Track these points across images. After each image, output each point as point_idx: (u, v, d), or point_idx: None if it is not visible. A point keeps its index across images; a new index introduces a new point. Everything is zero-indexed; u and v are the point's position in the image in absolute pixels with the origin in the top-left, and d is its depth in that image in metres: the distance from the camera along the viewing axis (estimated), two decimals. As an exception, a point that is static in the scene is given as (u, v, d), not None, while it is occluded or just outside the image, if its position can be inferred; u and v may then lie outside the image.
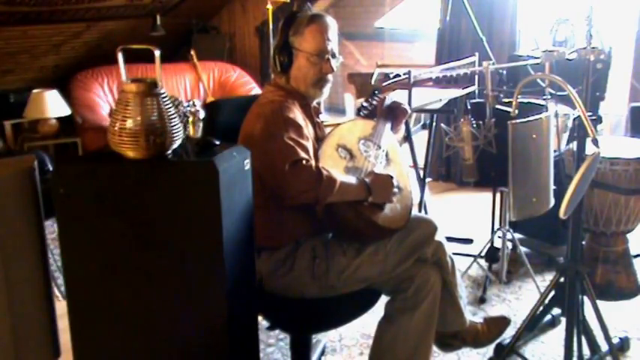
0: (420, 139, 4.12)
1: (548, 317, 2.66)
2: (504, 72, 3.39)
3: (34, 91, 4.61)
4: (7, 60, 4.78)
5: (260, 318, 2.02)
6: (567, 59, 2.08)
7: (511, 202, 2.20)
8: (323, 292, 1.97)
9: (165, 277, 1.57)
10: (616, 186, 2.81)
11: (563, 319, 2.32)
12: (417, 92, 2.95)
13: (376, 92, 2.32)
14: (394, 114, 2.31)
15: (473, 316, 2.29)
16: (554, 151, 2.38)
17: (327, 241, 2.02)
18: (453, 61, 3.30)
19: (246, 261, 1.75)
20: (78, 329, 1.60)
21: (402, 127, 2.43)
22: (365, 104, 2.29)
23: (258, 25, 5.89)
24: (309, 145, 1.94)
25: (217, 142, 1.64)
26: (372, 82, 3.12)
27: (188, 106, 1.73)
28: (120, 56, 1.52)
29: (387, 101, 2.31)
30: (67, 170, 1.54)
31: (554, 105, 2.47)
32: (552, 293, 2.32)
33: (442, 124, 2.44)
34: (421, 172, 3.54)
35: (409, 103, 2.75)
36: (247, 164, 1.67)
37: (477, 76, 3.31)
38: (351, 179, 1.92)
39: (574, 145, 2.14)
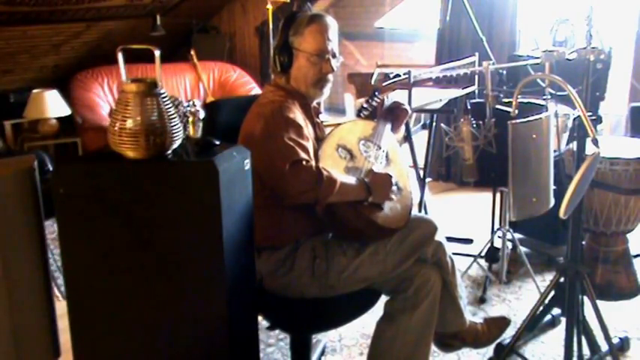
0: (420, 139, 4.12)
1: (548, 317, 2.66)
2: (504, 72, 3.39)
3: (34, 91, 4.61)
4: (7, 60, 4.78)
5: (260, 318, 2.02)
6: (567, 59, 2.08)
7: (511, 202, 2.20)
8: (323, 292, 1.97)
9: (166, 277, 1.57)
10: (616, 186, 2.81)
11: (563, 319, 2.32)
12: (417, 92, 2.95)
13: (376, 93, 2.32)
14: (394, 114, 2.31)
15: (473, 316, 2.29)
16: (554, 151, 2.38)
17: (327, 241, 2.02)
18: (453, 61, 3.30)
19: (246, 261, 1.75)
20: (78, 329, 1.60)
21: (402, 127, 2.43)
22: (365, 105, 2.29)
23: (258, 25, 5.89)
24: (310, 145, 1.94)
25: (217, 142, 1.64)
26: (372, 82, 3.11)
27: (188, 106, 1.73)
28: (120, 56, 1.52)
29: (388, 102, 2.31)
30: (67, 170, 1.54)
31: (554, 105, 2.47)
32: (552, 293, 2.32)
33: (442, 124, 2.44)
34: (421, 172, 3.54)
35: (409, 103, 2.75)
36: (247, 164, 1.67)
37: (477, 76, 3.30)
38: (351, 179, 1.92)
39: (574, 145, 2.14)
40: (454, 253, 2.12)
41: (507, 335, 2.35)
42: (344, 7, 6.18)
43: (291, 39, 2.00)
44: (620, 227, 2.94)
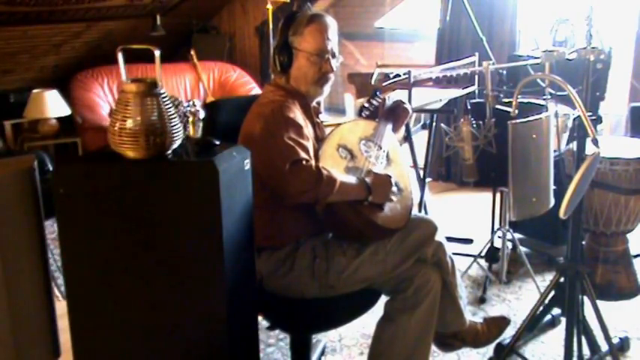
0: (420, 139, 4.12)
1: (548, 317, 2.66)
2: (504, 72, 3.39)
3: (34, 91, 4.61)
4: (7, 60, 4.77)
5: (260, 318, 2.02)
6: (567, 59, 2.08)
7: (511, 202, 2.20)
8: (323, 292, 1.97)
9: (166, 277, 1.57)
10: (616, 186, 2.81)
11: (563, 319, 2.32)
12: (417, 92, 2.95)
13: (377, 93, 2.32)
14: (396, 114, 2.31)
15: (473, 316, 2.29)
16: (554, 151, 2.38)
17: (327, 241, 2.02)
18: (453, 61, 3.30)
19: (246, 261, 1.75)
20: (78, 329, 1.60)
21: (402, 127, 2.43)
22: (367, 105, 2.29)
23: (258, 25, 5.89)
24: (309, 145, 1.94)
25: (217, 142, 1.64)
26: (372, 82, 3.12)
27: (188, 106, 1.73)
28: (120, 56, 1.52)
29: (389, 102, 2.31)
30: (67, 170, 1.54)
31: (554, 105, 2.47)
32: (552, 293, 2.32)
33: (442, 124, 2.44)
34: (421, 172, 3.54)
35: (409, 103, 2.75)
36: (247, 164, 1.67)
37: (477, 76, 3.31)
38: (351, 179, 1.92)
39: (574, 145, 2.14)
40: (454, 253, 2.12)
41: (507, 335, 2.35)
42: (344, 7, 6.18)
43: (291, 39, 2.00)
44: (620, 227, 2.94)
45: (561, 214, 1.76)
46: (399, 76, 2.93)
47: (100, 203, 1.52)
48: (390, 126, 2.24)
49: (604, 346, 2.29)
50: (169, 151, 1.55)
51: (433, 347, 2.12)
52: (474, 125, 2.28)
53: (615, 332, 2.55)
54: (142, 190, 1.53)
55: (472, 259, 3.23)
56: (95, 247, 1.56)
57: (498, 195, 3.23)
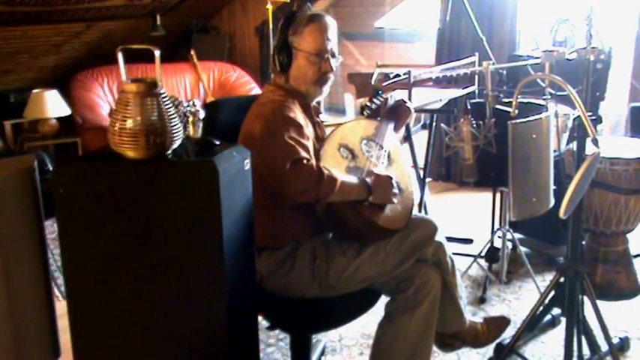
0: (420, 139, 4.12)
1: (548, 317, 2.66)
2: (504, 72, 3.39)
3: (34, 91, 4.61)
4: (7, 60, 4.78)
5: (260, 318, 2.02)
6: (567, 59, 2.08)
7: (511, 202, 2.20)
8: (323, 292, 1.97)
9: (165, 277, 1.57)
10: (616, 186, 2.81)
11: (563, 319, 2.32)
12: (417, 92, 2.95)
13: (379, 92, 2.32)
14: (397, 113, 2.31)
15: (473, 316, 2.29)
16: (554, 151, 2.38)
17: (327, 241, 2.02)
18: (453, 61, 3.30)
19: (246, 261, 1.75)
20: (78, 329, 1.60)
21: (403, 126, 2.43)
22: (368, 104, 2.29)
23: (258, 25, 5.89)
24: (310, 144, 1.94)
25: (217, 142, 1.64)
26: (372, 82, 3.11)
27: (188, 106, 1.73)
28: (120, 56, 1.52)
29: (391, 101, 2.31)
30: (67, 170, 1.54)
31: (554, 105, 2.47)
32: (552, 293, 2.32)
33: (442, 124, 2.44)
34: (421, 172, 3.54)
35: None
36: (247, 164, 1.67)
37: (477, 76, 3.31)
38: (352, 179, 1.92)
39: (574, 145, 2.14)
40: (454, 253, 2.12)
41: (507, 335, 2.35)
42: (344, 7, 6.18)
43: (291, 38, 2.00)
44: (620, 227, 2.94)
45: (561, 214, 1.76)
46: (399, 76, 2.93)
47: (99, 203, 1.52)
48: (391, 125, 2.24)
49: (604, 346, 2.29)
50: (169, 151, 1.55)
51: (433, 347, 2.12)
52: (474, 125, 2.28)
53: (615, 332, 2.55)
54: (142, 190, 1.53)
55: (472, 259, 3.23)
56: (95, 247, 1.56)
57: (498, 195, 3.23)
